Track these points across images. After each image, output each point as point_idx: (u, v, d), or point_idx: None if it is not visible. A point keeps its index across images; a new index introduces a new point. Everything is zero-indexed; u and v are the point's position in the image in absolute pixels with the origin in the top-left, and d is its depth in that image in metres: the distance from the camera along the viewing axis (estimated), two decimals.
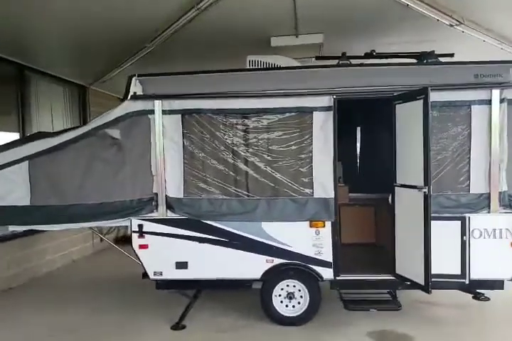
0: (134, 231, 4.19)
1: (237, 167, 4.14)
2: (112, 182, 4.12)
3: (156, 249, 4.18)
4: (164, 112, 4.12)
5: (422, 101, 3.66)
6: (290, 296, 4.21)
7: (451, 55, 4.31)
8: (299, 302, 4.22)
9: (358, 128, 6.16)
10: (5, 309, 4.88)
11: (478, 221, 3.93)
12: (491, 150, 3.93)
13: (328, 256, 4.08)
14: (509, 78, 3.87)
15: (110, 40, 5.20)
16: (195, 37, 5.10)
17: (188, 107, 4.11)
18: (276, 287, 4.21)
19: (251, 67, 4.44)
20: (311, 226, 4.09)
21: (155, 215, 4.18)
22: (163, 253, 4.18)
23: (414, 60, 4.33)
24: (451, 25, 4.72)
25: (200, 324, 4.30)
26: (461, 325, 4.15)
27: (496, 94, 3.91)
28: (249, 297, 4.64)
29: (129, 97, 4.12)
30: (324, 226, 4.08)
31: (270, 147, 4.11)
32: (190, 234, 4.17)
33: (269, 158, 4.11)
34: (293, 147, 4.09)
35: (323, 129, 4.05)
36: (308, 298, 4.19)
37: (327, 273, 4.09)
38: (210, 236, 4.16)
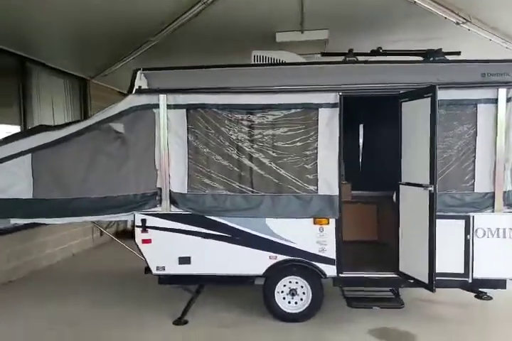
0: (137, 226, 4.17)
1: (241, 163, 4.12)
2: (115, 176, 4.10)
3: (159, 243, 4.17)
4: (169, 107, 4.09)
5: (429, 99, 3.65)
6: (293, 293, 4.22)
7: (458, 53, 4.30)
8: (301, 299, 4.23)
9: (361, 126, 6.15)
10: (5, 302, 4.86)
11: (482, 220, 3.93)
12: (496, 150, 3.92)
13: (331, 253, 4.08)
14: None
15: (112, 32, 5.14)
16: (200, 31, 5.05)
17: (193, 102, 4.08)
18: (279, 283, 4.21)
19: (256, 62, 4.41)
20: (315, 223, 4.08)
21: (158, 210, 4.16)
22: (166, 248, 4.17)
23: (420, 58, 4.31)
24: (458, 23, 4.69)
25: (202, 319, 4.30)
26: (463, 323, 4.17)
27: (502, 93, 3.89)
28: (251, 293, 4.64)
29: (133, 91, 4.08)
30: (328, 223, 4.07)
31: (275, 143, 4.09)
32: (194, 230, 4.16)
33: (274, 154, 4.09)
34: (298, 143, 4.08)
35: (328, 126, 4.03)
36: (310, 295, 4.19)
37: (330, 271, 4.09)
38: (214, 232, 4.15)
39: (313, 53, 5.15)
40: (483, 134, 3.94)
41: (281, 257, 4.12)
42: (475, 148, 3.96)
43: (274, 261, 4.12)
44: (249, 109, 4.08)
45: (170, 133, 4.12)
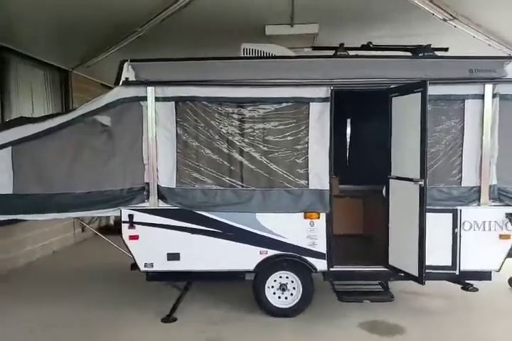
0: (124, 222, 4.06)
1: (231, 157, 4.06)
2: (101, 170, 3.98)
3: (146, 239, 4.07)
4: (157, 99, 3.99)
5: (419, 94, 3.68)
6: (283, 288, 4.20)
7: (446, 50, 4.35)
8: (291, 294, 4.22)
9: (348, 120, 6.18)
10: None
11: (468, 213, 4.01)
12: (482, 145, 4.00)
13: (322, 247, 4.09)
14: (502, 73, 3.93)
15: (97, 22, 4.97)
16: (189, 23, 4.96)
17: (182, 94, 3.99)
18: (269, 278, 4.19)
19: (245, 55, 4.35)
20: (305, 217, 4.07)
21: (146, 205, 4.07)
22: (155, 245, 4.08)
23: (409, 53, 4.34)
24: (445, 20, 4.76)
25: (191, 316, 4.24)
26: (450, 315, 4.25)
27: (488, 89, 3.96)
28: (239, 288, 4.60)
29: (120, 83, 3.96)
30: (319, 217, 4.07)
31: (266, 137, 4.05)
32: (183, 225, 4.08)
33: (264, 148, 4.05)
34: (289, 138, 4.05)
35: (319, 120, 4.02)
36: (301, 290, 4.19)
37: (321, 265, 4.10)
38: (203, 227, 4.09)
39: (302, 47, 5.13)
40: (470, 129, 4.01)
41: (271, 252, 4.10)
42: (462, 143, 4.03)
43: (264, 256, 4.10)
44: (240, 102, 4.02)
45: (158, 126, 4.02)
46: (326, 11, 4.84)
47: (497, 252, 3.99)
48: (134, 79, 3.95)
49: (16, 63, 6.01)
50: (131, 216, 4.06)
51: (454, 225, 4.00)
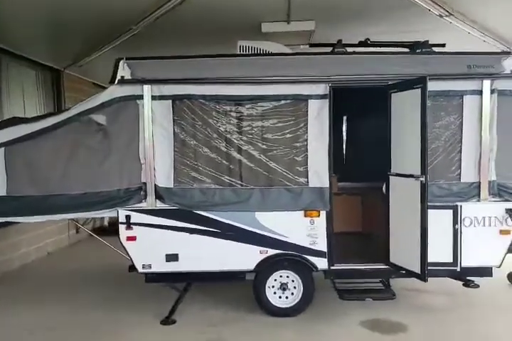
0: (121, 223, 3.99)
1: (230, 155, 4.01)
2: (97, 170, 3.91)
3: (144, 240, 4.01)
4: (154, 98, 3.93)
5: (419, 90, 3.66)
6: (284, 287, 4.16)
7: (443, 46, 4.34)
8: (292, 293, 4.17)
9: (344, 118, 6.16)
10: None
11: (468, 209, 4.00)
12: (481, 140, 4.00)
13: (322, 245, 4.05)
14: (500, 69, 3.93)
15: (90, 21, 4.88)
16: (183, 20, 4.89)
17: (179, 93, 3.93)
18: (270, 278, 4.14)
19: (242, 52, 4.31)
20: (305, 215, 4.03)
21: (143, 205, 4.00)
22: (153, 246, 4.01)
23: (407, 50, 4.32)
24: (441, 16, 4.75)
25: (190, 318, 4.17)
26: (452, 312, 4.23)
27: (486, 84, 3.96)
28: (239, 288, 4.55)
29: (116, 81, 3.88)
30: (319, 215, 4.04)
31: (264, 135, 4.01)
32: (181, 225, 4.02)
33: (263, 146, 4.01)
34: (288, 135, 4.01)
35: (318, 117, 3.99)
36: (302, 289, 4.15)
37: (322, 263, 4.06)
38: (202, 227, 4.03)
39: (299, 44, 5.09)
40: (468, 125, 4.01)
41: (271, 251, 4.05)
42: (461, 139, 4.03)
43: (264, 256, 4.05)
44: (238, 100, 3.98)
45: (155, 125, 3.95)
46: (323, 8, 4.80)
47: (497, 248, 3.99)
48: (129, 77, 3.89)
49: (7, 63, 5.89)
50: (128, 217, 3.99)
51: (455, 221, 3.99)
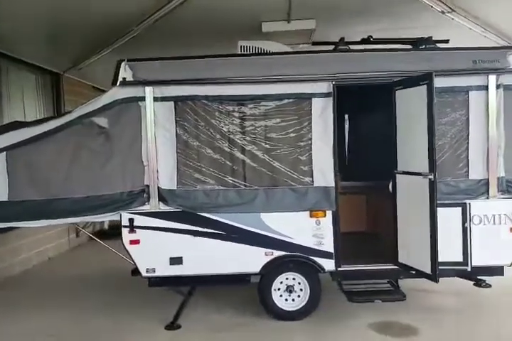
0: (125, 226, 3.93)
1: (233, 156, 3.95)
2: (99, 174, 3.86)
3: (148, 244, 3.94)
4: (156, 99, 3.88)
5: (425, 86, 3.61)
6: (290, 289, 4.08)
7: (447, 41, 4.29)
8: (298, 296, 4.09)
9: (346, 116, 6.09)
10: None
11: (477, 207, 3.93)
12: (488, 136, 3.93)
13: (329, 246, 3.97)
14: (506, 64, 3.88)
15: (90, 24, 4.86)
16: (183, 22, 4.86)
17: (181, 94, 3.89)
18: (276, 280, 4.06)
19: (242, 52, 4.27)
20: (311, 216, 3.97)
21: (147, 208, 3.94)
22: (156, 249, 3.94)
23: (409, 46, 4.27)
24: (443, 12, 4.71)
25: (195, 323, 4.09)
26: (464, 313, 4.13)
27: (492, 79, 3.91)
28: (243, 292, 4.48)
29: (117, 83, 3.84)
30: (325, 215, 3.97)
31: (268, 135, 3.96)
32: (185, 228, 3.95)
33: (267, 146, 3.95)
34: (291, 134, 3.95)
35: (322, 116, 3.93)
36: (308, 291, 4.07)
37: (328, 265, 3.98)
38: (206, 230, 3.96)
39: (299, 43, 5.05)
40: (475, 121, 3.95)
41: (277, 253, 3.98)
42: (468, 135, 3.96)
43: (270, 258, 3.98)
44: (240, 100, 3.93)
45: (157, 126, 3.91)
46: (323, 6, 4.77)
47: (508, 246, 3.91)
48: (131, 79, 3.85)
49: (7, 67, 5.86)
50: (131, 220, 3.93)
51: (464, 219, 3.92)
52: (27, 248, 6.06)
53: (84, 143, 3.86)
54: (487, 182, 3.94)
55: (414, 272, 3.88)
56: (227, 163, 3.95)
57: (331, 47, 4.26)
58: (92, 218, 4.01)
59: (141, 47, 5.33)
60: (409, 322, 3.94)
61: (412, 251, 3.88)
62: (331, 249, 3.98)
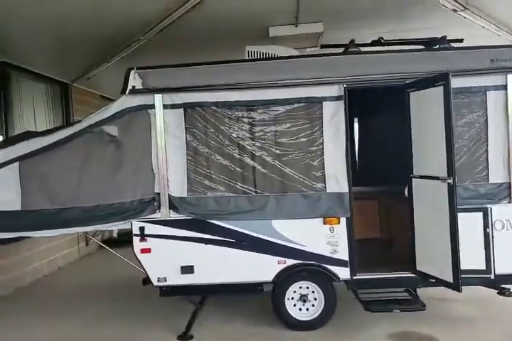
0: (136, 235, 3.89)
1: (243, 162, 3.89)
2: (110, 182, 3.84)
3: (159, 252, 3.89)
4: (165, 106, 3.86)
5: (441, 88, 3.48)
6: (304, 299, 3.96)
7: (461, 41, 4.16)
8: (313, 305, 3.97)
9: (355, 119, 5.97)
10: None
11: (499, 212, 3.77)
12: (508, 138, 3.78)
13: (344, 254, 3.86)
14: None
15: (98, 33, 4.86)
16: (190, 28, 4.83)
17: (190, 101, 3.85)
18: (289, 289, 3.95)
19: (250, 57, 4.23)
20: (324, 223, 3.86)
21: (157, 216, 3.89)
22: (167, 258, 3.89)
23: (422, 47, 4.16)
24: (455, 11, 4.58)
25: (208, 332, 4.01)
26: (487, 323, 3.94)
27: (511, 79, 3.76)
28: (254, 300, 4.39)
29: (127, 91, 3.83)
30: (339, 222, 3.86)
31: (278, 140, 3.88)
32: (196, 236, 3.89)
33: (277, 151, 3.87)
34: (302, 139, 3.87)
35: (333, 120, 3.84)
36: (323, 300, 3.95)
37: (343, 273, 3.86)
38: (218, 238, 3.89)
39: (307, 47, 4.99)
40: (494, 122, 3.80)
41: (290, 261, 3.88)
42: (487, 137, 3.82)
43: (283, 266, 3.88)
44: (250, 105, 3.87)
45: (167, 134, 3.87)
46: (331, 9, 4.69)
47: None
48: (141, 87, 3.84)
49: (17, 78, 5.94)
50: (142, 228, 3.89)
51: (485, 225, 3.76)
52: (37, 257, 6.05)
53: (94, 152, 3.85)
54: (509, 186, 3.78)
55: (434, 280, 3.72)
56: (238, 169, 3.89)
57: (340, 49, 4.17)
58: (103, 227, 3.97)
59: (149, 54, 5.33)
60: (430, 332, 3.77)
61: (431, 258, 3.73)
62: (346, 257, 3.86)
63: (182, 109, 3.87)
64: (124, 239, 4.31)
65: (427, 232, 3.78)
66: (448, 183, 3.49)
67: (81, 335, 4.12)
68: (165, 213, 3.89)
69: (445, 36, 4.03)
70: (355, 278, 3.87)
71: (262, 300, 4.04)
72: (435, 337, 3.71)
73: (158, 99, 3.84)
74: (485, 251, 3.74)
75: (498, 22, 5.14)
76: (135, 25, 4.65)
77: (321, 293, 3.95)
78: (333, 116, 3.84)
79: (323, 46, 4.58)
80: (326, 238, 3.86)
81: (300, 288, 3.97)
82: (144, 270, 3.90)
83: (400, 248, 4.20)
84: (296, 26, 4.92)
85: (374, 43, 4.27)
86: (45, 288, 5.71)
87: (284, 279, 3.90)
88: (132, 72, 3.85)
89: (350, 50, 4.03)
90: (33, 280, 5.91)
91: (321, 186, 3.86)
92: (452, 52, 3.83)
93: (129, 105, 3.84)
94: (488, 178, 3.81)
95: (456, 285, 3.46)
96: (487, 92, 3.79)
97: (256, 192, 3.88)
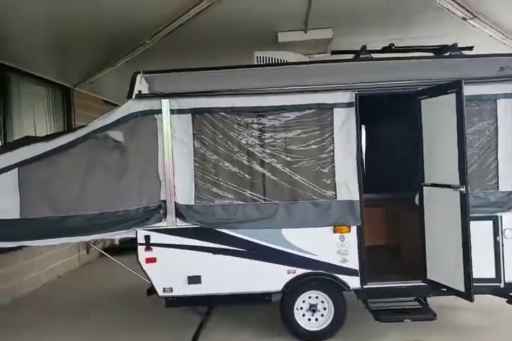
0: (141, 244, 3.78)
1: (252, 169, 3.81)
2: (114, 189, 3.72)
3: (165, 262, 3.79)
4: (172, 112, 3.77)
5: (453, 95, 3.46)
6: (313, 309, 3.89)
7: (471, 48, 4.16)
8: (322, 315, 3.91)
9: (363, 126, 5.95)
10: None
11: (509, 220, 3.75)
12: None
13: (354, 263, 3.80)
14: None
15: (102, 36, 4.78)
16: (198, 32, 4.75)
17: (198, 106, 3.77)
18: (298, 299, 3.88)
19: (258, 63, 4.16)
20: (335, 231, 3.80)
21: (163, 225, 3.79)
22: (174, 267, 3.79)
23: (432, 54, 4.15)
24: (465, 19, 4.59)
25: None
26: (498, 332, 3.92)
27: None
28: (261, 310, 4.31)
29: (133, 96, 3.73)
30: (349, 231, 3.80)
31: (288, 147, 3.82)
32: (203, 245, 3.80)
33: (287, 158, 3.81)
34: (313, 146, 3.81)
35: (344, 126, 3.80)
36: (332, 310, 3.88)
37: (354, 282, 3.80)
38: (225, 247, 3.80)
39: (315, 53, 4.95)
40: (504, 130, 3.80)
41: (300, 271, 3.81)
42: (497, 145, 3.81)
43: (292, 276, 3.81)
44: (260, 111, 3.81)
45: (174, 140, 3.78)
46: (340, 15, 4.67)
47: None
48: (147, 91, 3.75)
49: (18, 81, 5.80)
50: (147, 237, 3.78)
51: (495, 233, 3.74)
52: (36, 266, 5.89)
53: (98, 158, 3.74)
54: None
55: (445, 289, 3.68)
56: (246, 176, 3.81)
57: (351, 55, 4.13)
58: (107, 235, 3.86)
59: (155, 58, 5.25)
60: None
61: (442, 267, 3.69)
62: (356, 266, 3.80)
63: (190, 115, 3.79)
64: (127, 247, 4.19)
65: (438, 241, 3.74)
66: (460, 191, 3.47)
67: None
68: (171, 221, 3.79)
69: (456, 44, 4.02)
70: (365, 287, 3.82)
71: (270, 310, 3.95)
72: None
73: (165, 104, 3.76)
74: (495, 259, 3.72)
75: (505, 31, 5.16)
76: (141, 28, 4.56)
77: (331, 302, 3.89)
78: (344, 123, 3.79)
79: (333, 52, 4.53)
80: (336, 247, 3.80)
81: (309, 297, 3.91)
82: (149, 280, 3.79)
83: (408, 256, 4.15)
84: (306, 32, 4.89)
85: (385, 50, 4.24)
86: (43, 298, 5.54)
87: (294, 289, 3.83)
88: (139, 76, 3.76)
89: (361, 56, 3.99)
90: (31, 290, 5.74)
91: (332, 194, 3.80)
92: (463, 60, 3.82)
93: (135, 110, 3.75)
94: (498, 186, 3.80)
95: (468, 295, 3.43)
96: (497, 100, 3.78)
97: (265, 200, 3.81)
